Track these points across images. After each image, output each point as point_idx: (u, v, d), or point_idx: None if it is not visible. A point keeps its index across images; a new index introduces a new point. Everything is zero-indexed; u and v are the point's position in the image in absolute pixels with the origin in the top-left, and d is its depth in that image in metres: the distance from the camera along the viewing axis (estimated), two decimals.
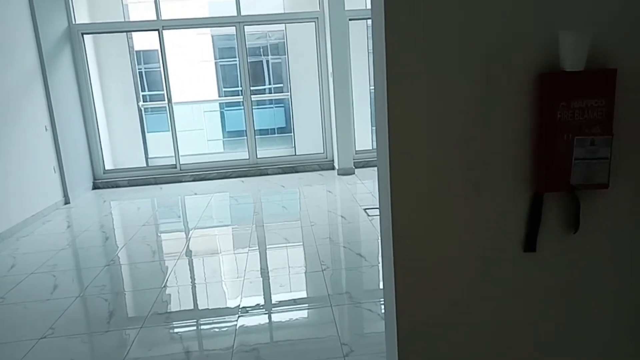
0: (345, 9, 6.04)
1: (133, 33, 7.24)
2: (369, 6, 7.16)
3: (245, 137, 6.78)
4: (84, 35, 6.27)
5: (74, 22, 6.15)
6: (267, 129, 10.65)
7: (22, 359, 2.43)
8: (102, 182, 6.30)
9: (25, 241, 4.34)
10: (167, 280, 3.34)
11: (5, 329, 2.78)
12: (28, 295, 3.20)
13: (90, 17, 6.71)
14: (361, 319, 2.70)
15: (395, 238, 1.13)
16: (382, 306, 2.78)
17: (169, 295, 3.11)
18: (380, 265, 3.37)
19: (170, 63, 6.54)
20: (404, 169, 1.11)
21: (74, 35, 6.14)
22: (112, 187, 6.25)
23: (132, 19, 7.40)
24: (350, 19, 6.23)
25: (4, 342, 2.62)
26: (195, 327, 2.74)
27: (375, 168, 5.16)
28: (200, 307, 2.99)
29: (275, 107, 11.22)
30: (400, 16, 1.05)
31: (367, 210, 4.52)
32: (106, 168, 6.42)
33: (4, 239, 4.36)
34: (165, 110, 10.19)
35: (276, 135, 10.58)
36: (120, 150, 6.95)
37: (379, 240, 3.70)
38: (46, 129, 5.32)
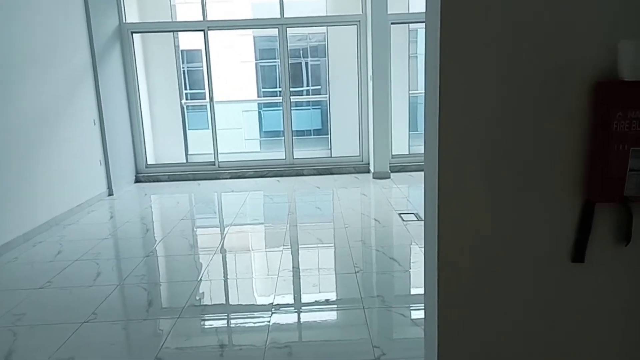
0: (388, 12, 6.03)
1: (179, 33, 7.44)
2: (412, 10, 7.14)
3: (282, 138, 6.86)
4: (133, 34, 6.51)
5: (124, 21, 6.39)
6: (304, 130, 10.73)
7: (67, 341, 2.55)
8: (144, 175, 6.51)
9: (71, 229, 4.54)
10: (203, 274, 3.42)
11: (52, 311, 2.92)
12: (73, 281, 3.34)
13: (140, 17, 6.95)
14: (393, 323, 2.69)
15: (440, 243, 1.13)
16: (415, 311, 2.76)
17: (205, 288, 3.18)
18: (412, 270, 3.35)
19: (213, 63, 6.69)
20: (453, 174, 1.11)
21: (124, 34, 6.38)
22: (153, 181, 6.45)
23: (179, 19, 7.62)
24: (392, 23, 6.22)
25: (50, 324, 2.75)
26: (229, 322, 2.79)
27: (412, 173, 5.14)
28: (234, 302, 3.05)
29: (313, 108, 11.30)
30: (455, 22, 1.05)
31: (401, 215, 4.49)
32: (148, 163, 6.64)
33: (52, 226, 4.57)
34: (205, 108, 10.45)
35: (312, 136, 10.65)
36: (162, 145, 7.17)
37: (413, 245, 3.69)
38: (94, 123, 5.55)
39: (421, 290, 2.99)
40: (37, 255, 3.84)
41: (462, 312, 1.18)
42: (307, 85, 12.41)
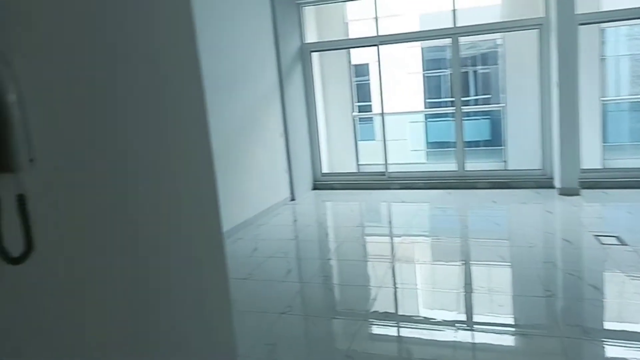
0: (575, 13, 5.47)
1: (351, 49, 7.82)
2: (603, 8, 6.36)
3: (450, 149, 6.69)
4: (312, 53, 7.07)
5: (305, 42, 6.98)
6: (472, 142, 10.32)
7: (269, 329, 2.87)
8: (320, 183, 6.98)
9: (263, 229, 5.11)
10: (382, 281, 3.53)
11: (254, 300, 3.32)
12: (268, 275, 3.76)
13: (318, 36, 7.52)
14: (598, 358, 2.42)
15: None
16: (625, 349, 2.45)
17: (385, 295, 3.28)
18: (619, 301, 2.96)
19: (382, 75, 6.88)
20: None
21: (305, 53, 6.96)
22: (328, 189, 6.88)
23: (351, 36, 8.03)
24: (580, 24, 5.62)
25: (253, 311, 3.13)
26: (412, 332, 2.83)
27: (607, 190, 4.55)
28: (414, 313, 3.08)
29: (482, 118, 10.80)
30: None
31: (598, 237, 4.01)
32: (323, 171, 7.10)
33: (247, 225, 5.20)
34: (371, 120, 10.76)
35: (481, 147, 10.17)
36: (335, 155, 7.61)
37: (617, 273, 3.26)
38: (280, 136, 6.17)
39: (632, 326, 2.64)
40: (238, 251, 4.40)
41: None
42: (475, 95, 11.91)
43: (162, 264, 1.18)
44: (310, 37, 7.19)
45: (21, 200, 0.81)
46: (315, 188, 6.95)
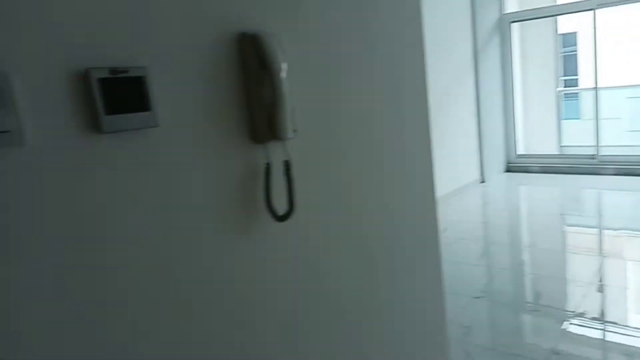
0: None
1: (563, 16, 6.93)
2: None
3: None
4: (511, 24, 6.47)
5: (504, 12, 6.43)
6: None
7: (462, 312, 2.80)
8: (514, 165, 6.46)
9: (451, 210, 4.97)
10: (587, 278, 3.11)
11: (448, 282, 3.27)
12: (460, 257, 3.66)
13: (520, 5, 6.85)
14: None
15: None
16: None
17: (591, 294, 2.89)
18: None
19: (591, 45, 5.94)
20: None
21: (504, 25, 6.42)
22: (523, 171, 6.33)
23: (559, 2, 7.11)
24: None
25: (449, 293, 3.09)
26: (625, 340, 2.44)
27: None
28: (628, 320, 2.65)
29: None
30: None
31: None
32: (518, 153, 6.55)
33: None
34: (576, 96, 9.44)
35: None
36: (532, 136, 6.94)
37: None
38: (472, 114, 5.87)
39: None
40: None
41: None
42: None
43: (381, 232, 1.23)
44: (511, 6, 6.59)
45: (287, 166, 0.92)
46: (508, 170, 6.46)
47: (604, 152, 5.92)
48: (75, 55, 0.65)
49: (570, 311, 2.70)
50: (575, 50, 9.86)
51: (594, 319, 2.61)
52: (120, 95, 0.69)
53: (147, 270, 0.75)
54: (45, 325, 0.64)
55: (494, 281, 3.20)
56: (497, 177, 6.21)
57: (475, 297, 2.95)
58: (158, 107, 0.74)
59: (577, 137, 6.71)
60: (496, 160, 6.30)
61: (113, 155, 0.70)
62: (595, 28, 5.91)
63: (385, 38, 1.20)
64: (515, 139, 6.52)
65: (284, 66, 0.86)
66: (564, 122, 7.16)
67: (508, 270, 3.37)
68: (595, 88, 6.00)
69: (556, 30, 7.13)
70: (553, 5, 6.77)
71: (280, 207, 0.93)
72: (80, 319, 0.67)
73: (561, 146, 6.65)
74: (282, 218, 0.92)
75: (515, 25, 6.67)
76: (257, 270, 0.92)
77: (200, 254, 0.82)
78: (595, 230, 4.19)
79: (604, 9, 5.87)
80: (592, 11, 5.87)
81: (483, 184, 5.93)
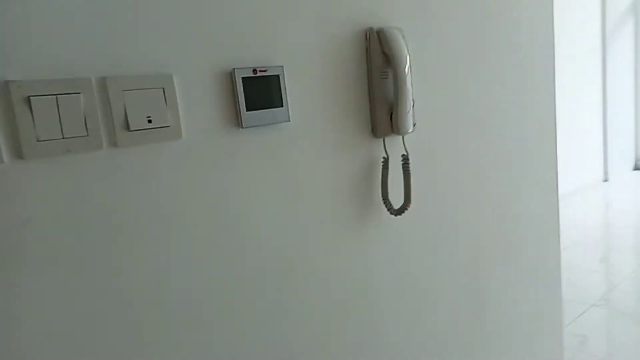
0: None
1: None
2: None
3: None
4: None
5: None
6: None
7: (577, 319, 2.60)
8: None
9: (567, 211, 4.59)
10: None
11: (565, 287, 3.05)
12: (574, 262, 3.38)
13: None
14: None
15: None
16: None
17: None
18: None
19: None
20: None
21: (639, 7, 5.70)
22: None
23: None
24: None
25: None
26: None
27: None
28: None
29: None
30: None
31: None
32: None
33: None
34: None
35: None
36: None
37: None
38: (598, 105, 5.32)
39: None
40: None
41: None
42: None
43: (497, 231, 1.19)
44: None
45: (405, 160, 0.93)
46: (637, 168, 5.78)
47: None
48: (223, 57, 0.72)
49: None
50: None
51: None
52: (259, 92, 0.75)
53: (274, 258, 0.81)
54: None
55: (615, 289, 2.91)
56: (624, 176, 5.59)
57: (593, 305, 2.72)
58: (290, 103, 0.79)
59: None
60: (624, 157, 5.67)
61: (251, 148, 0.76)
62: None
63: (512, 27, 1.14)
64: None
65: (408, 60, 0.87)
66: None
67: (631, 278, 3.04)
68: None
69: None
70: None
71: (395, 201, 0.94)
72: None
73: None
74: (398, 212, 0.93)
75: None
76: (371, 264, 0.95)
77: (319, 247, 0.86)
78: None
79: None
80: None
81: (606, 182, 5.38)
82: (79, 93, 0.60)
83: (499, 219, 1.18)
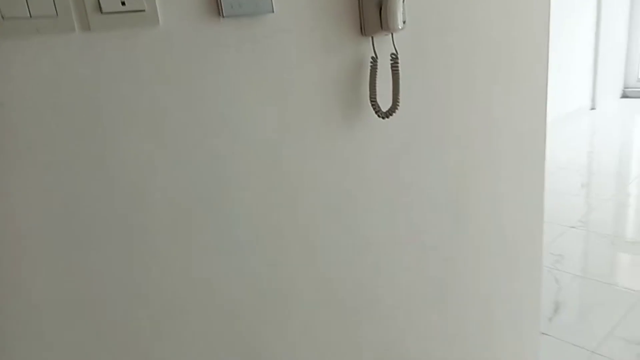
0: None
1: None
2: None
3: None
4: None
5: None
6: None
7: (556, 240, 2.70)
8: (632, 91, 5.77)
9: (554, 138, 4.64)
10: None
11: (546, 211, 3.15)
12: (559, 187, 3.46)
13: None
14: None
15: None
16: None
17: None
18: None
19: None
20: None
21: None
22: None
23: None
24: None
25: (545, 221, 2.98)
26: None
27: None
28: None
29: None
30: None
31: None
32: (639, 77, 5.80)
33: None
34: None
35: None
36: None
37: None
38: (590, 30, 5.21)
39: None
40: None
41: None
42: None
43: (485, 142, 1.19)
44: None
45: (394, 59, 0.91)
46: (625, 96, 5.79)
47: None
48: None
49: None
50: None
51: None
52: None
53: (260, 160, 0.80)
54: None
55: (593, 212, 3.01)
56: (611, 104, 5.61)
57: (572, 227, 2.82)
58: None
59: None
60: (611, 85, 5.65)
61: (232, 42, 0.73)
62: None
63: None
64: (638, 61, 5.75)
65: None
66: None
67: (610, 201, 3.14)
68: None
69: None
70: None
71: (384, 104, 0.93)
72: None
73: None
74: (386, 114, 0.92)
75: None
76: (359, 167, 0.94)
77: (305, 148, 0.85)
78: None
79: None
80: None
81: (593, 110, 5.40)
82: None
83: (487, 134, 1.17)
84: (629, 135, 4.57)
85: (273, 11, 0.75)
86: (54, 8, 0.57)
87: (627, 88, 5.78)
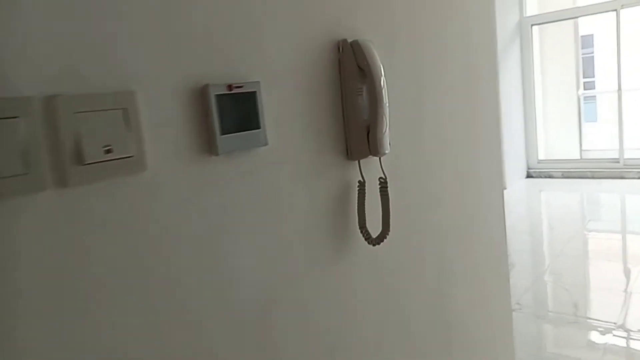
0: None
1: (580, 18, 6.83)
2: None
3: None
4: (533, 27, 6.39)
5: (525, 15, 6.35)
6: None
7: None
8: (535, 171, 6.37)
9: None
10: (622, 287, 3.03)
11: None
12: None
13: (540, 9, 6.76)
14: None
15: None
16: None
17: (634, 305, 2.81)
18: None
19: (612, 47, 5.84)
20: None
21: (524, 28, 6.34)
22: (545, 177, 6.24)
23: (579, 4, 7.01)
24: None
25: None
26: None
27: None
28: None
29: None
30: None
31: None
32: (539, 158, 6.45)
33: None
34: (594, 99, 9.30)
35: None
36: (553, 140, 6.84)
37: None
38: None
39: None
40: None
41: None
42: None
43: (458, 245, 1.18)
44: (530, 9, 6.51)
45: (383, 184, 0.87)
46: (529, 176, 6.37)
47: (629, 155, 5.82)
48: (193, 71, 0.60)
49: (598, 319, 2.62)
50: (592, 53, 9.73)
51: (621, 327, 2.54)
52: (234, 112, 0.64)
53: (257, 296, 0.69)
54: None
55: (530, 292, 3.12)
56: (519, 183, 6.13)
57: (512, 310, 2.88)
58: (267, 124, 0.69)
59: (596, 141, 6.59)
60: (517, 166, 6.22)
61: (226, 177, 0.65)
62: (618, 29, 5.82)
63: (461, 42, 1.15)
64: (537, 145, 6.42)
65: (383, 73, 0.81)
66: (586, 125, 7.05)
67: (541, 280, 3.29)
68: (619, 90, 5.90)
69: (577, 31, 7.02)
70: (575, 7, 6.68)
71: (372, 228, 0.87)
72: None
73: (582, 150, 6.54)
74: (376, 241, 0.86)
75: (535, 29, 6.59)
76: (348, 298, 0.86)
77: (295, 285, 0.76)
78: (618, 236, 4.11)
79: (628, 9, 5.78)
80: (614, 12, 5.78)
81: (504, 190, 5.84)
82: (17, 117, 0.45)
83: (460, 240, 1.17)
84: (537, 211, 4.96)
85: (267, 144, 0.69)
86: (23, 164, 0.46)
87: (530, 169, 6.38)
